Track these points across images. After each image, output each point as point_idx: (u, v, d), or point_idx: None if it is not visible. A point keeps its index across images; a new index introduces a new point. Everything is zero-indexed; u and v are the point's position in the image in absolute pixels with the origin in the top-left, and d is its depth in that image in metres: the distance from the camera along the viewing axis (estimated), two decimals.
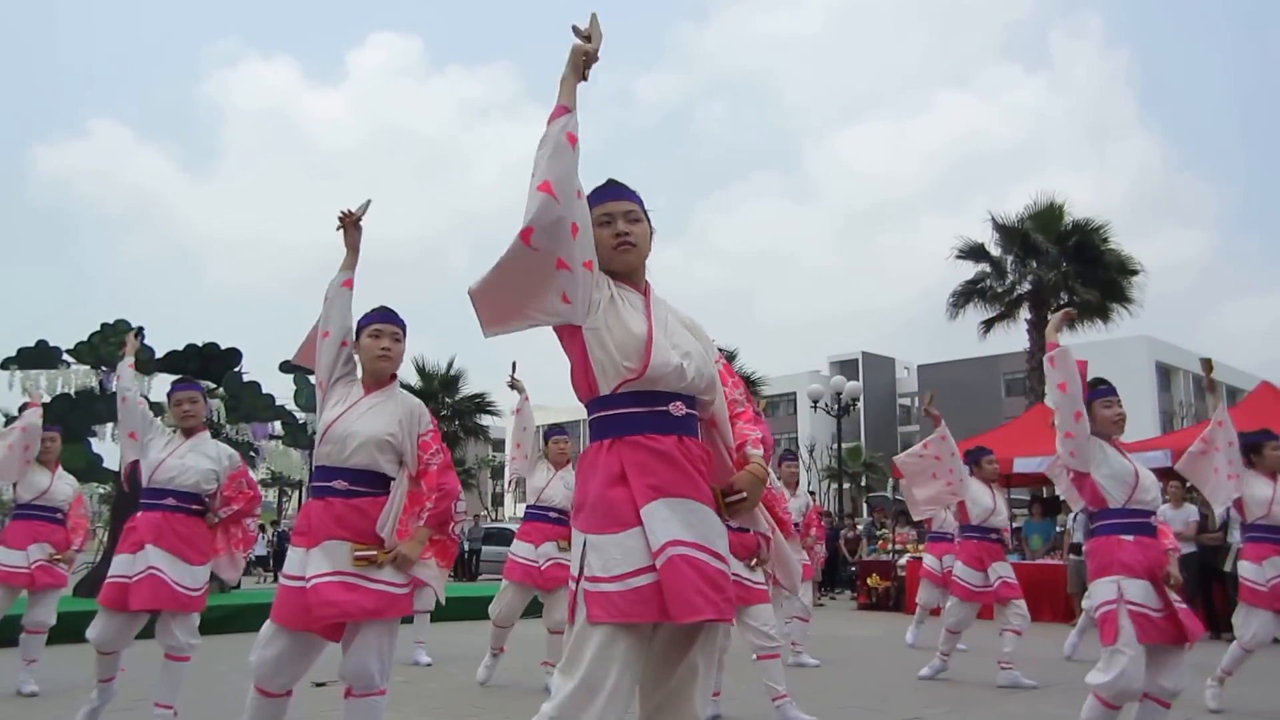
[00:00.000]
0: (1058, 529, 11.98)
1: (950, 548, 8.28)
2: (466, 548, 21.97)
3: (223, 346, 12.18)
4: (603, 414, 2.08)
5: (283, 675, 3.02)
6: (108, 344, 11.30)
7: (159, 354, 11.62)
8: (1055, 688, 5.97)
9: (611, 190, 2.24)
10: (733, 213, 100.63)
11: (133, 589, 3.96)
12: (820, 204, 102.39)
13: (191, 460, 4.13)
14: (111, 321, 11.61)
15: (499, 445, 55.54)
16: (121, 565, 4.04)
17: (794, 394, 46.24)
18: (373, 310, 3.27)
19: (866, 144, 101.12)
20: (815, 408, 22.24)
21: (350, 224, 3.22)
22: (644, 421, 2.04)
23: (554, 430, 6.08)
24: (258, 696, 3.03)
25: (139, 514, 4.11)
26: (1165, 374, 44.13)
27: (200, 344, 11.94)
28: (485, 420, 32.51)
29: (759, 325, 72.64)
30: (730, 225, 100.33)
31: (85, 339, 11.43)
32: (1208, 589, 9.53)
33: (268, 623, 3.01)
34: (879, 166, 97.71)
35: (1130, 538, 3.47)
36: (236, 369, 12.17)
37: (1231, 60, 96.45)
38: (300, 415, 12.89)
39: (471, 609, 11.03)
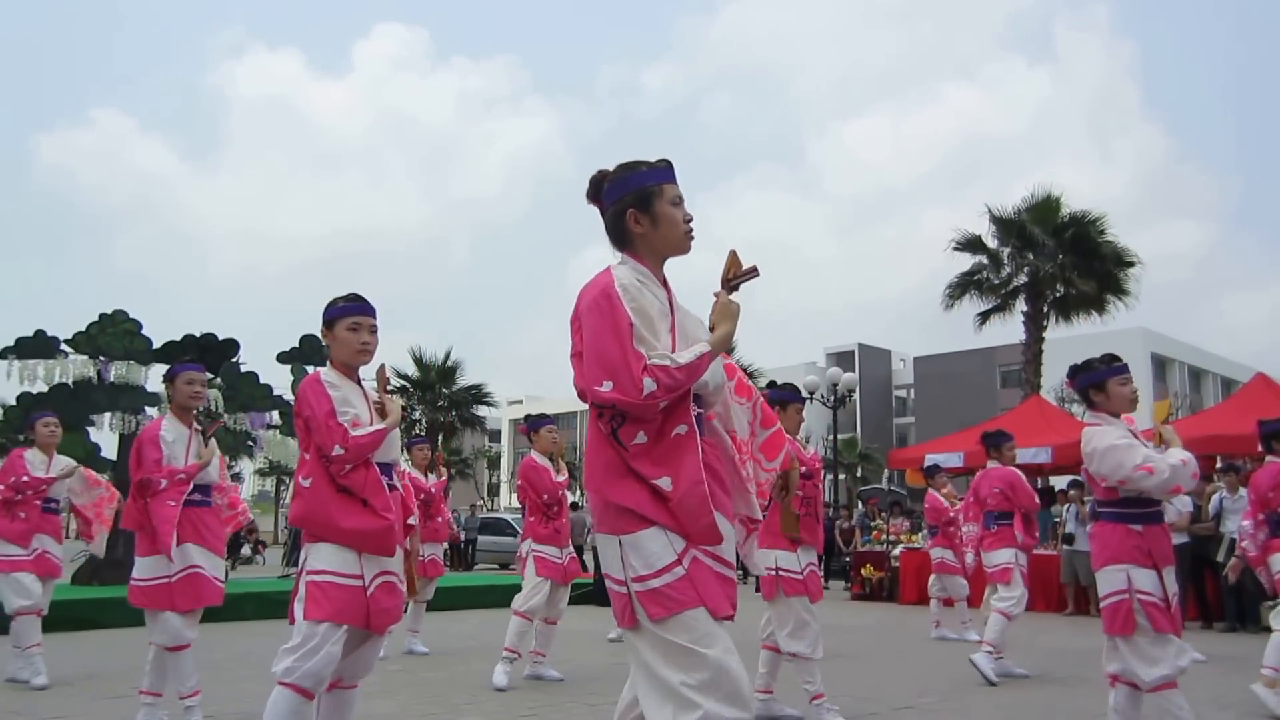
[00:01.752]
0: (1053, 519, 12.04)
1: (948, 541, 8.36)
2: (464, 537, 22.04)
3: (221, 337, 12.19)
4: None
5: (336, 667, 2.91)
6: (105, 334, 11.30)
7: (157, 345, 11.64)
8: (1047, 677, 6.02)
9: (674, 173, 2.21)
10: (735, 204, 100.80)
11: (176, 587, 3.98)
12: (822, 196, 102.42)
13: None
14: (110, 312, 11.61)
15: (495, 436, 55.59)
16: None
17: None
18: (346, 300, 3.10)
19: (870, 136, 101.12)
20: (811, 399, 22.29)
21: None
22: None
23: (542, 420, 6.09)
24: (302, 698, 2.79)
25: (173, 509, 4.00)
26: (1160, 365, 44.21)
27: (198, 334, 11.95)
28: (481, 411, 32.52)
29: (757, 317, 72.99)
30: (732, 217, 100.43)
31: (83, 329, 11.43)
32: (1199, 579, 9.59)
33: (325, 625, 2.78)
34: (882, 159, 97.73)
35: (1139, 527, 3.46)
36: (234, 359, 12.18)
37: (1234, 53, 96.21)
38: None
39: (468, 598, 11.07)
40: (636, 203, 2.15)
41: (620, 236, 2.19)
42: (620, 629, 2.01)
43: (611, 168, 2.21)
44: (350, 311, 3.07)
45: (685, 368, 2.01)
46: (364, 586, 2.88)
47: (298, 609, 2.85)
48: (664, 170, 2.18)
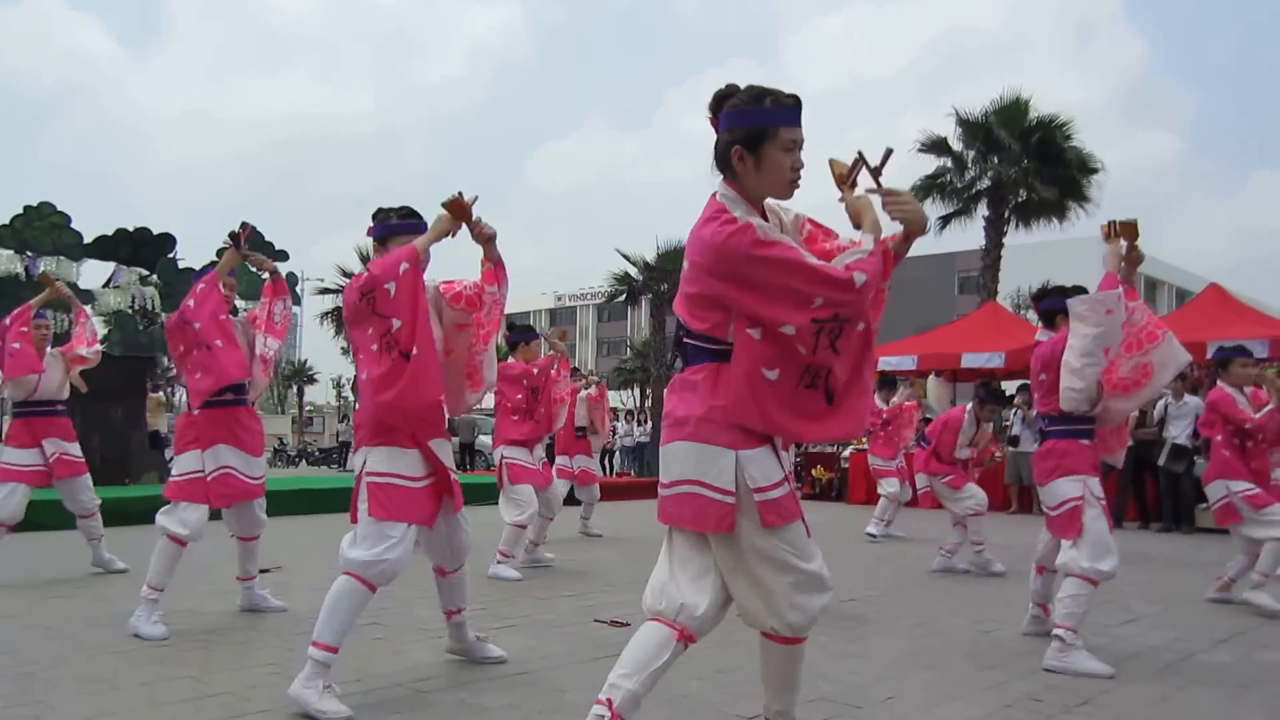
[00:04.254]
0: (1001, 423, 12.28)
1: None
2: None
3: (157, 231, 11.67)
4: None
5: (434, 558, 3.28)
6: (32, 228, 10.77)
7: (88, 239, 11.10)
8: (988, 570, 6.19)
9: (799, 112, 2.13)
10: (704, 100, 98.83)
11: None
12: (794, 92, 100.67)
13: None
14: (35, 204, 11.00)
15: None
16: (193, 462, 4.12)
17: None
18: (398, 216, 3.24)
19: (846, 33, 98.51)
20: None
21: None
22: None
23: (527, 334, 6.13)
24: (367, 591, 2.95)
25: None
26: None
27: (131, 229, 11.41)
28: None
29: None
30: (701, 115, 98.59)
31: (7, 222, 10.85)
32: (1140, 482, 9.91)
33: (392, 524, 2.90)
34: (857, 57, 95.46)
35: (1088, 441, 3.90)
36: (171, 255, 11.70)
37: None
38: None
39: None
40: (745, 142, 2.10)
41: (724, 165, 2.16)
42: (707, 533, 2.11)
43: (743, 86, 2.16)
44: (398, 230, 3.22)
45: (875, 254, 2.07)
46: (424, 487, 3.01)
47: (361, 508, 2.96)
48: (788, 110, 2.10)
